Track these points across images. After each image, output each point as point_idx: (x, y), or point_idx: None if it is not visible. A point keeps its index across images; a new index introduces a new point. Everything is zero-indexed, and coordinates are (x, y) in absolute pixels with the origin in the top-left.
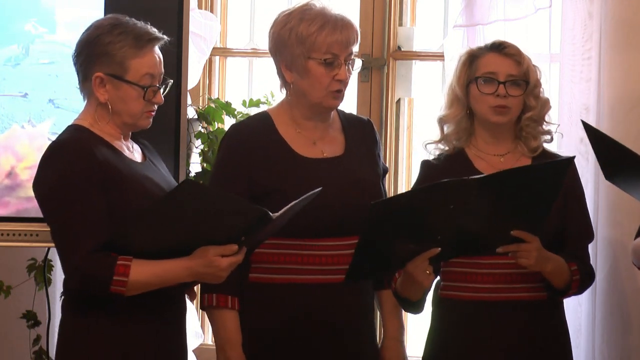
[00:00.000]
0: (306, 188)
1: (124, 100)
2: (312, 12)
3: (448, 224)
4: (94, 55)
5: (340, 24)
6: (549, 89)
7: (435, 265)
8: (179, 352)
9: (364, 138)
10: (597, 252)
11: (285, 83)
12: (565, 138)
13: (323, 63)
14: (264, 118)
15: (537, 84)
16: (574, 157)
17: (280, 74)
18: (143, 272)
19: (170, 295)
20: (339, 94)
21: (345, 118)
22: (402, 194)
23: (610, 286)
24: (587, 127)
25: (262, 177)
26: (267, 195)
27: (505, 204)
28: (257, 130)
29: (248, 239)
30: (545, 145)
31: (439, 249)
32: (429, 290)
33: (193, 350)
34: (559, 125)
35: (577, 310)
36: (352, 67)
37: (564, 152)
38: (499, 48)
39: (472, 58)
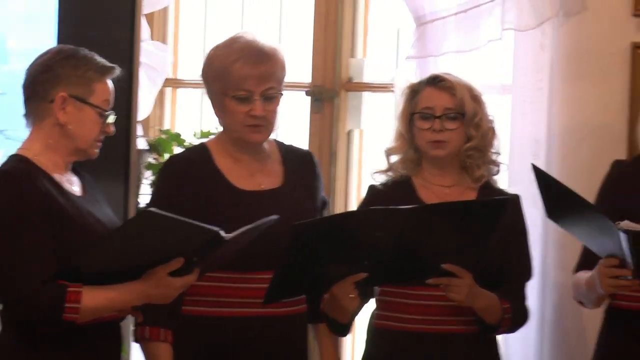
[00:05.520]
0: (242, 221)
1: (84, 123)
2: (233, 46)
3: (375, 250)
4: (59, 76)
5: (255, 59)
6: (500, 120)
7: (367, 289)
8: None
9: (303, 170)
10: (545, 283)
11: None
12: (516, 168)
13: (236, 99)
14: (200, 149)
15: (476, 114)
16: (508, 198)
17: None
18: (95, 297)
19: (107, 321)
20: (257, 129)
21: (285, 150)
22: (325, 217)
23: (558, 318)
24: (536, 170)
25: (197, 210)
26: None
27: (437, 236)
28: (193, 161)
29: (201, 259)
30: (496, 178)
31: (365, 274)
32: (356, 314)
33: None
34: (499, 154)
35: (525, 341)
36: (275, 102)
37: (515, 181)
38: (435, 82)
39: (413, 93)
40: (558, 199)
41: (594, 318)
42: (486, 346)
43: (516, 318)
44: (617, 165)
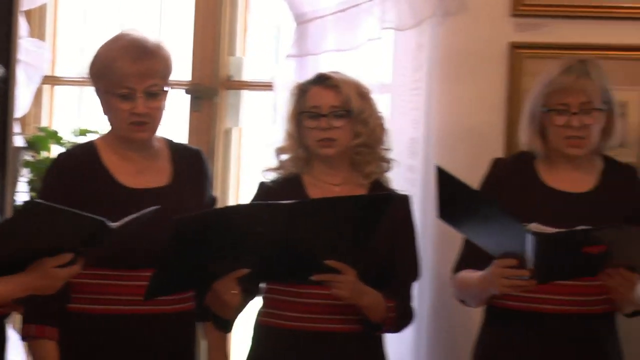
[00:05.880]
0: None
1: None
2: (116, 44)
3: (258, 246)
4: None
5: (136, 56)
6: None
7: (251, 286)
8: None
9: (193, 168)
10: (422, 282)
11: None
12: (394, 167)
13: (119, 97)
14: (88, 147)
15: (363, 111)
16: (391, 193)
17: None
18: None
19: None
20: (141, 126)
21: (175, 148)
22: (206, 212)
23: (436, 316)
24: (439, 170)
25: (84, 207)
26: None
27: (321, 232)
28: (79, 159)
29: (87, 250)
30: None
31: (247, 270)
32: (240, 310)
33: None
34: (390, 150)
35: (402, 340)
36: (159, 98)
37: (393, 180)
38: (321, 81)
39: (301, 92)
40: (458, 199)
41: (471, 316)
42: (371, 345)
43: (401, 317)
44: (497, 163)
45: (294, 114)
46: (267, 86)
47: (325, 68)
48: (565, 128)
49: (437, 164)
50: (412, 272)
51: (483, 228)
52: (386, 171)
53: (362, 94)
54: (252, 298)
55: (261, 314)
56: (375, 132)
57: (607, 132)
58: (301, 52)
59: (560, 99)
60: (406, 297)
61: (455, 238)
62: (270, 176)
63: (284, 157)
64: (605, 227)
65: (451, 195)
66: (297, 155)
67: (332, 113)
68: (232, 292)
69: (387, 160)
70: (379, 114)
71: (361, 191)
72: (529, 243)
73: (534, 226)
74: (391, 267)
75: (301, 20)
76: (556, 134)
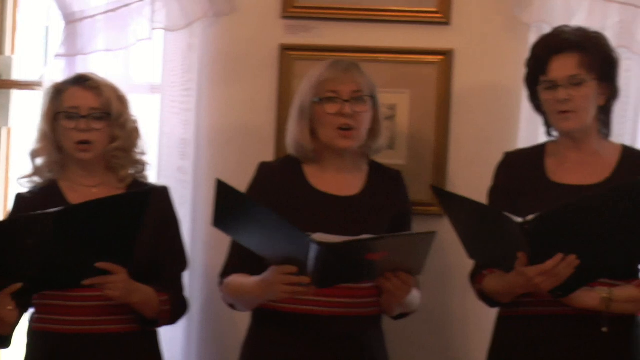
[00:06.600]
0: None
1: None
2: None
3: (29, 258)
4: None
5: None
6: (149, 120)
7: (26, 299)
8: None
9: None
10: (192, 281)
11: None
12: (164, 167)
13: None
14: None
15: (122, 114)
16: (151, 188)
17: None
18: None
19: None
20: None
21: None
22: None
23: (206, 315)
24: (219, 183)
25: None
26: None
27: (86, 236)
28: None
29: None
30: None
31: (20, 284)
32: (17, 324)
33: None
34: (145, 154)
35: (172, 340)
36: None
37: (163, 180)
38: (80, 81)
39: (57, 92)
40: (236, 211)
41: (242, 316)
42: (147, 343)
43: (175, 309)
44: (263, 167)
45: (50, 113)
46: (36, 85)
47: (95, 68)
48: (337, 116)
49: (218, 177)
50: (180, 262)
51: (262, 236)
52: (140, 173)
53: (121, 97)
54: (27, 310)
55: (34, 319)
56: (131, 136)
57: (373, 132)
58: (70, 51)
59: (331, 87)
60: (178, 287)
61: (226, 239)
62: (27, 185)
63: (39, 161)
64: (387, 236)
65: (229, 206)
66: (52, 158)
67: (91, 115)
68: (8, 308)
69: (143, 164)
70: (134, 118)
71: (119, 191)
72: (312, 252)
73: (318, 236)
74: (159, 260)
75: (70, 20)
76: (327, 125)
